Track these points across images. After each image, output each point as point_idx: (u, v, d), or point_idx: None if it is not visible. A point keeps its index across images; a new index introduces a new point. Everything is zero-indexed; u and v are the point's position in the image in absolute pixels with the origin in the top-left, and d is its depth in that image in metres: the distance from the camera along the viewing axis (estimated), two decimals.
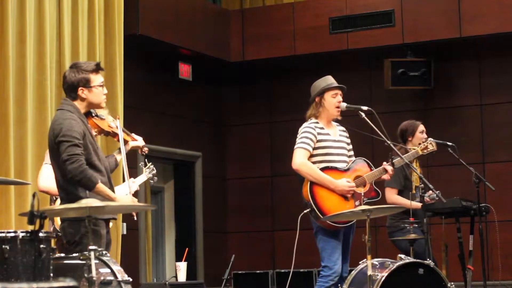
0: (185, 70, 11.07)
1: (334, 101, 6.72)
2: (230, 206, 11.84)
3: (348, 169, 6.70)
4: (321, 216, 6.47)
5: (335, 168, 6.65)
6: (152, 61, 10.70)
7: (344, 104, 6.78)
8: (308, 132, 6.63)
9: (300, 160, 6.58)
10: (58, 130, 5.40)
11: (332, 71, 11.18)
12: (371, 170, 6.74)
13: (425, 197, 7.16)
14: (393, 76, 10.75)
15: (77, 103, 5.55)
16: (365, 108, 6.74)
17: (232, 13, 11.54)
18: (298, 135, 6.69)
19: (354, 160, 6.78)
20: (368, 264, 6.15)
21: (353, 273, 6.59)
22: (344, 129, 6.88)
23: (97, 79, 5.56)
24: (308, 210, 6.56)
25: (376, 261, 6.49)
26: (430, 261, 6.59)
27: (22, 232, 4.27)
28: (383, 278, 6.32)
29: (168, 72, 10.91)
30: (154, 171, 6.94)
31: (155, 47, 10.45)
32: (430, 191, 7.25)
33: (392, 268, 6.39)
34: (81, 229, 5.31)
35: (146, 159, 6.77)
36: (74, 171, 5.29)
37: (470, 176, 7.58)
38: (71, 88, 5.54)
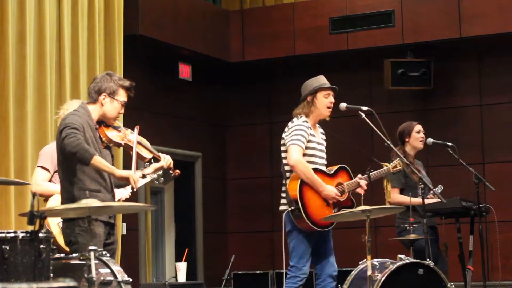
0: (185, 71, 11.08)
1: (326, 101, 6.70)
2: (230, 206, 11.84)
3: (332, 174, 6.72)
4: (305, 217, 6.47)
5: (322, 172, 6.66)
6: (152, 62, 10.70)
7: (344, 104, 6.78)
8: (303, 131, 6.59)
9: (297, 157, 6.53)
10: (62, 124, 5.53)
11: (332, 71, 11.19)
12: (351, 179, 6.77)
13: (429, 195, 7.16)
14: (393, 76, 10.75)
15: (93, 107, 5.68)
16: (365, 108, 6.74)
17: (232, 13, 11.54)
18: (290, 131, 6.61)
19: (338, 167, 6.78)
20: (368, 264, 6.15)
21: (353, 273, 6.59)
22: (323, 131, 6.89)
23: (122, 95, 5.71)
24: (292, 208, 6.52)
25: (376, 261, 6.49)
26: (430, 261, 6.59)
27: (22, 232, 4.28)
28: (383, 279, 6.32)
29: (168, 72, 10.91)
30: (160, 172, 6.82)
31: (155, 48, 10.45)
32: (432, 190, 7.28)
33: (392, 269, 6.39)
34: (76, 228, 5.42)
35: (152, 159, 6.68)
36: (71, 144, 5.38)
37: (470, 176, 7.58)
38: (96, 89, 5.68)
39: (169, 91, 10.95)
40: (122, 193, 6.51)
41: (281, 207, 6.65)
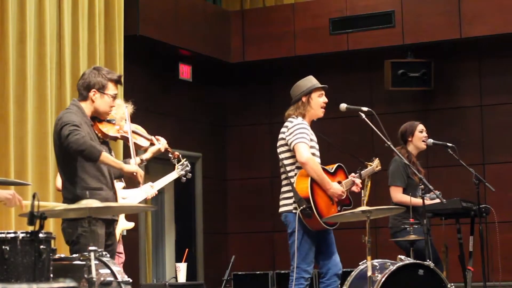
0: (185, 71, 11.07)
1: (320, 101, 6.70)
2: (230, 207, 11.84)
3: (333, 173, 6.72)
4: (317, 215, 6.44)
5: (325, 170, 6.65)
6: (152, 62, 10.69)
7: (344, 105, 6.78)
8: (306, 129, 6.57)
9: (308, 154, 6.47)
10: (60, 123, 5.47)
11: (332, 72, 11.20)
12: (347, 178, 6.78)
13: (425, 198, 7.16)
14: (393, 77, 10.75)
15: (85, 104, 5.63)
16: (365, 109, 6.74)
17: (232, 13, 11.54)
18: (292, 130, 6.55)
19: (336, 166, 6.78)
20: (368, 265, 6.15)
21: (353, 274, 6.59)
22: None
23: (112, 89, 5.65)
24: (303, 206, 6.43)
25: (376, 262, 6.48)
26: (430, 261, 6.59)
27: (22, 232, 4.27)
28: (383, 279, 6.32)
29: (168, 73, 10.91)
30: (188, 168, 6.85)
31: (155, 48, 10.45)
32: (431, 192, 7.27)
33: (392, 269, 6.39)
34: (78, 228, 5.40)
35: (180, 155, 6.73)
36: (77, 141, 5.32)
37: (470, 177, 7.58)
38: (85, 86, 5.62)
39: (169, 92, 10.95)
40: (149, 191, 6.56)
41: (285, 208, 6.57)
